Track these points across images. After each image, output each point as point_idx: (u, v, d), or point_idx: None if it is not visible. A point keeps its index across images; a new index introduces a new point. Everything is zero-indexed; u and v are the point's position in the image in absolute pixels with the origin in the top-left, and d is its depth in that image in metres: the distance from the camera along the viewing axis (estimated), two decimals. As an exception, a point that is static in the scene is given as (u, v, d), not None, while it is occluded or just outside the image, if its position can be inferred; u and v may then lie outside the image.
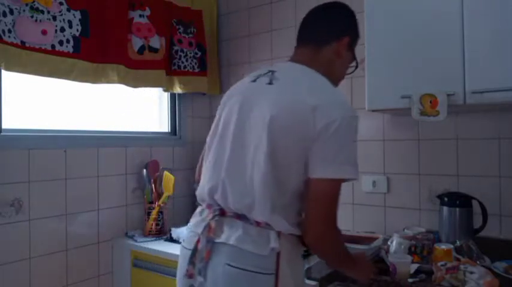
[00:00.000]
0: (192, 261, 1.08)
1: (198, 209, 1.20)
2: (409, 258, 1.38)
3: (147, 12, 2.08)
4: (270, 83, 1.11)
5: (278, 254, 1.03)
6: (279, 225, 1.05)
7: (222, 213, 1.09)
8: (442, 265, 1.29)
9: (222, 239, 1.05)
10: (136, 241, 1.99)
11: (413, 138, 1.88)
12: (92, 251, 1.98)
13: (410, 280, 1.31)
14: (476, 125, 1.73)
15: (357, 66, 1.28)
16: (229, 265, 1.02)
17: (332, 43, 1.18)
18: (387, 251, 1.51)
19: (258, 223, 1.04)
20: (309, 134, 1.01)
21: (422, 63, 1.53)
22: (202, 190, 1.17)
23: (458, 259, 1.38)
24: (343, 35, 1.19)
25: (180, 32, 2.29)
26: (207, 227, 1.08)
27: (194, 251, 1.08)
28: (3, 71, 1.67)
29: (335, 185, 1.02)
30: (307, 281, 1.39)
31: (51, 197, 1.82)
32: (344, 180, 1.03)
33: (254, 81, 1.17)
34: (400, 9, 1.59)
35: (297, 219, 1.09)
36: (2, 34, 1.52)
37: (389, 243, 1.56)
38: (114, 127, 2.17)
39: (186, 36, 2.32)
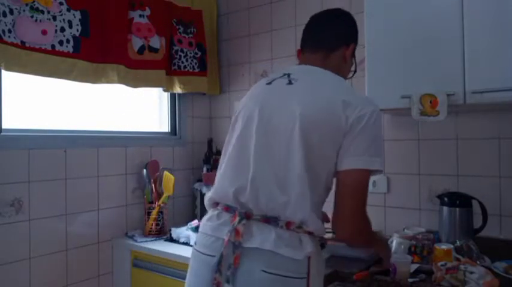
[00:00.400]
0: (219, 269, 1.03)
1: (214, 213, 1.15)
2: (409, 258, 1.38)
3: (147, 12, 2.08)
4: (290, 83, 1.14)
5: (309, 257, 1.03)
6: (313, 223, 1.05)
7: (248, 216, 1.06)
8: (442, 265, 1.29)
9: (254, 244, 1.02)
10: (136, 241, 1.99)
11: (413, 138, 1.88)
12: (92, 251, 1.98)
13: (410, 280, 1.31)
14: (476, 125, 1.73)
15: (355, 71, 1.34)
16: (265, 271, 1.00)
17: (340, 49, 1.24)
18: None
19: (288, 226, 1.03)
20: (341, 128, 1.04)
21: (422, 63, 1.53)
22: (223, 192, 1.13)
23: (458, 259, 1.38)
24: (349, 41, 1.26)
25: (180, 32, 2.29)
26: (234, 231, 1.04)
27: (221, 258, 1.04)
28: (3, 71, 1.67)
29: (366, 176, 1.06)
30: (307, 281, 1.38)
31: (51, 197, 1.82)
32: (372, 171, 1.06)
33: (270, 83, 1.19)
34: (400, 10, 1.59)
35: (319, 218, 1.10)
36: (2, 34, 1.52)
37: (389, 243, 1.56)
38: (114, 127, 2.17)
39: (186, 36, 2.32)
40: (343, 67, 1.26)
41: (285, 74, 1.18)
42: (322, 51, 1.23)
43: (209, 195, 1.20)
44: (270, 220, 1.04)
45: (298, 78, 1.14)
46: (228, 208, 1.12)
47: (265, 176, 1.07)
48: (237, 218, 1.06)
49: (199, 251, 1.13)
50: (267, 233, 1.02)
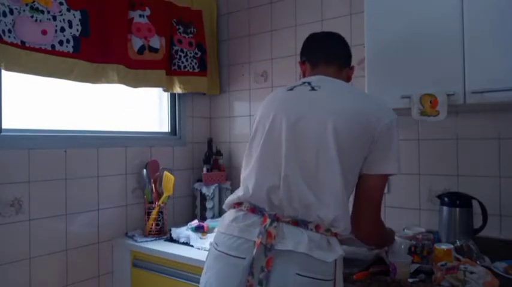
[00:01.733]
0: (251, 271, 1.03)
1: (238, 213, 1.14)
2: (409, 258, 1.38)
3: (147, 12, 2.08)
4: (312, 89, 1.18)
5: (336, 259, 1.05)
6: (344, 223, 1.09)
7: (277, 218, 1.07)
8: (442, 265, 1.29)
9: (287, 246, 1.03)
10: (136, 241, 1.99)
11: (413, 138, 1.88)
12: (92, 251, 1.98)
13: (410, 280, 1.31)
14: (476, 125, 1.73)
15: None
16: (300, 275, 1.00)
17: (347, 68, 1.38)
18: (387, 251, 1.51)
19: (317, 229, 1.06)
20: (370, 134, 1.10)
21: (422, 63, 1.53)
22: (254, 192, 1.13)
23: (458, 259, 1.38)
24: (350, 64, 1.40)
25: (180, 32, 2.29)
26: (266, 233, 1.04)
27: (252, 261, 1.04)
28: (3, 71, 1.67)
29: (386, 180, 1.16)
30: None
31: (51, 197, 1.82)
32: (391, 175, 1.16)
33: (291, 89, 1.23)
34: (400, 9, 1.59)
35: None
36: (2, 34, 1.52)
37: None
38: (114, 127, 2.17)
39: (186, 36, 2.32)
40: None
41: (304, 82, 1.23)
42: (335, 66, 1.32)
43: (234, 196, 1.19)
44: (299, 223, 1.06)
45: (320, 86, 1.19)
46: (254, 209, 1.12)
47: (296, 176, 1.08)
48: (268, 220, 1.06)
49: (225, 253, 1.11)
50: (300, 236, 1.04)
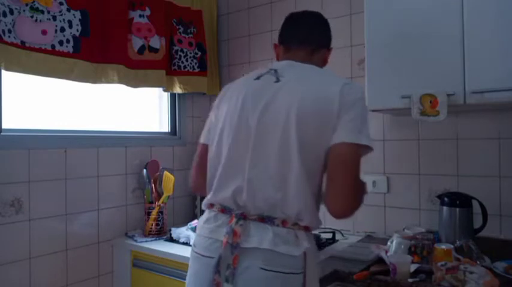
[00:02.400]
0: (218, 270, 1.06)
1: (210, 215, 1.16)
2: (409, 258, 1.38)
3: (147, 12, 2.08)
4: (277, 80, 1.14)
5: (305, 253, 1.04)
6: (310, 216, 1.07)
7: (244, 217, 1.08)
8: (442, 265, 1.29)
9: (252, 244, 1.04)
10: (136, 241, 1.99)
11: (413, 138, 1.88)
12: (92, 251, 1.98)
13: (410, 280, 1.31)
14: (476, 125, 1.73)
15: None
16: (263, 269, 1.02)
17: (322, 50, 1.28)
18: (387, 251, 1.51)
19: (284, 224, 1.05)
20: (333, 114, 1.04)
21: (422, 63, 1.53)
22: (221, 195, 1.14)
23: (458, 259, 1.38)
24: (329, 45, 1.32)
25: (180, 32, 2.29)
26: (232, 232, 1.05)
27: (219, 259, 1.06)
28: (3, 71, 1.67)
29: (355, 150, 1.04)
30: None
31: (51, 197, 1.82)
32: (366, 150, 1.06)
33: (258, 79, 1.18)
34: (400, 9, 1.59)
35: (319, 207, 1.12)
36: (2, 34, 1.52)
37: (389, 243, 1.56)
38: (114, 127, 2.17)
39: (186, 36, 2.32)
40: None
41: (271, 70, 1.18)
42: (308, 49, 1.25)
43: (207, 197, 1.20)
44: (266, 219, 1.06)
45: (284, 75, 1.15)
46: (224, 210, 1.13)
47: (261, 175, 1.08)
48: (234, 219, 1.07)
49: (198, 254, 1.15)
50: (265, 233, 1.04)
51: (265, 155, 1.08)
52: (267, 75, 1.17)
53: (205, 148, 1.26)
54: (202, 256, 1.13)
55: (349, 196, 1.04)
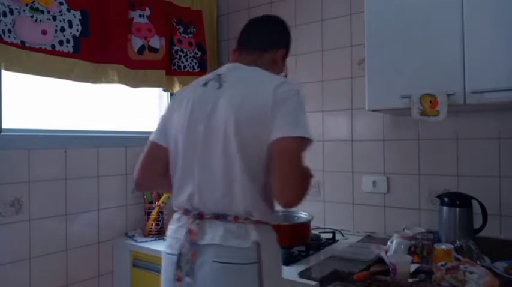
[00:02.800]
0: (179, 265, 1.15)
1: (176, 216, 1.25)
2: (409, 258, 1.38)
3: (147, 12, 2.08)
4: (220, 86, 1.20)
5: (258, 244, 1.11)
6: (259, 211, 1.13)
7: (201, 216, 1.16)
8: (442, 265, 1.29)
9: (206, 241, 1.12)
10: (136, 241, 1.99)
11: (413, 138, 1.88)
12: (92, 251, 1.98)
13: (410, 280, 1.31)
14: (476, 125, 1.73)
15: (285, 77, 1.38)
16: (216, 261, 1.10)
17: (271, 51, 1.32)
18: (387, 251, 1.52)
19: (236, 220, 1.13)
20: (268, 112, 1.09)
21: (422, 63, 1.53)
22: (180, 199, 1.22)
23: (458, 259, 1.38)
24: (281, 46, 1.34)
25: (180, 32, 2.29)
26: (189, 232, 1.14)
27: (179, 255, 1.15)
28: (3, 71, 1.67)
29: (293, 143, 1.07)
30: (307, 282, 1.39)
31: (51, 197, 1.82)
32: (305, 141, 1.09)
33: (205, 85, 1.24)
34: (400, 9, 1.59)
35: (271, 201, 1.17)
36: (2, 34, 1.52)
37: (389, 243, 1.56)
38: (114, 127, 2.17)
39: (186, 36, 2.32)
40: (273, 69, 1.30)
41: (217, 75, 1.24)
42: (256, 52, 1.30)
43: (173, 202, 1.28)
44: (220, 217, 1.14)
45: (226, 80, 1.20)
46: (185, 211, 1.22)
47: (208, 180, 1.15)
48: (191, 219, 1.17)
49: (165, 252, 1.25)
50: (217, 229, 1.13)
51: (211, 161, 1.15)
52: (212, 81, 1.23)
53: (156, 146, 1.29)
54: (168, 253, 1.22)
55: (293, 186, 1.07)
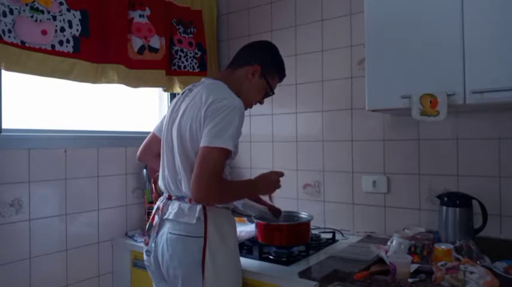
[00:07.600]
0: (148, 233, 1.49)
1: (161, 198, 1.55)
2: (409, 258, 1.38)
3: (147, 12, 2.08)
4: (184, 98, 1.49)
5: (206, 221, 1.36)
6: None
7: (169, 197, 1.48)
8: (442, 265, 1.29)
9: (166, 216, 1.43)
10: (136, 241, 1.99)
11: (413, 138, 1.88)
12: (92, 251, 1.98)
13: (410, 280, 1.31)
14: (476, 125, 1.73)
15: (272, 93, 1.58)
16: (170, 233, 1.40)
17: (244, 67, 1.51)
18: (387, 251, 1.52)
19: (190, 201, 1.39)
20: (202, 123, 1.33)
21: (422, 63, 1.53)
22: (160, 184, 1.53)
23: (458, 259, 1.38)
24: (254, 62, 1.50)
25: (180, 32, 2.29)
26: (158, 208, 1.49)
27: (150, 226, 1.49)
28: (3, 71, 1.67)
29: (210, 152, 1.29)
30: (307, 282, 1.39)
31: (51, 197, 1.82)
32: (224, 151, 1.29)
33: (182, 93, 1.53)
34: (400, 9, 1.59)
35: None
36: (2, 34, 1.52)
37: (389, 243, 1.56)
38: (114, 127, 2.17)
39: (186, 36, 2.32)
40: (246, 85, 1.50)
41: (191, 87, 1.52)
42: (230, 68, 1.54)
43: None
44: (180, 198, 1.44)
45: (191, 93, 1.46)
46: (164, 194, 1.54)
47: (169, 175, 1.46)
48: (163, 200, 1.49)
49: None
50: (174, 207, 1.42)
51: (170, 157, 1.46)
52: (186, 91, 1.52)
53: (154, 135, 1.65)
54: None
55: (200, 186, 1.27)
